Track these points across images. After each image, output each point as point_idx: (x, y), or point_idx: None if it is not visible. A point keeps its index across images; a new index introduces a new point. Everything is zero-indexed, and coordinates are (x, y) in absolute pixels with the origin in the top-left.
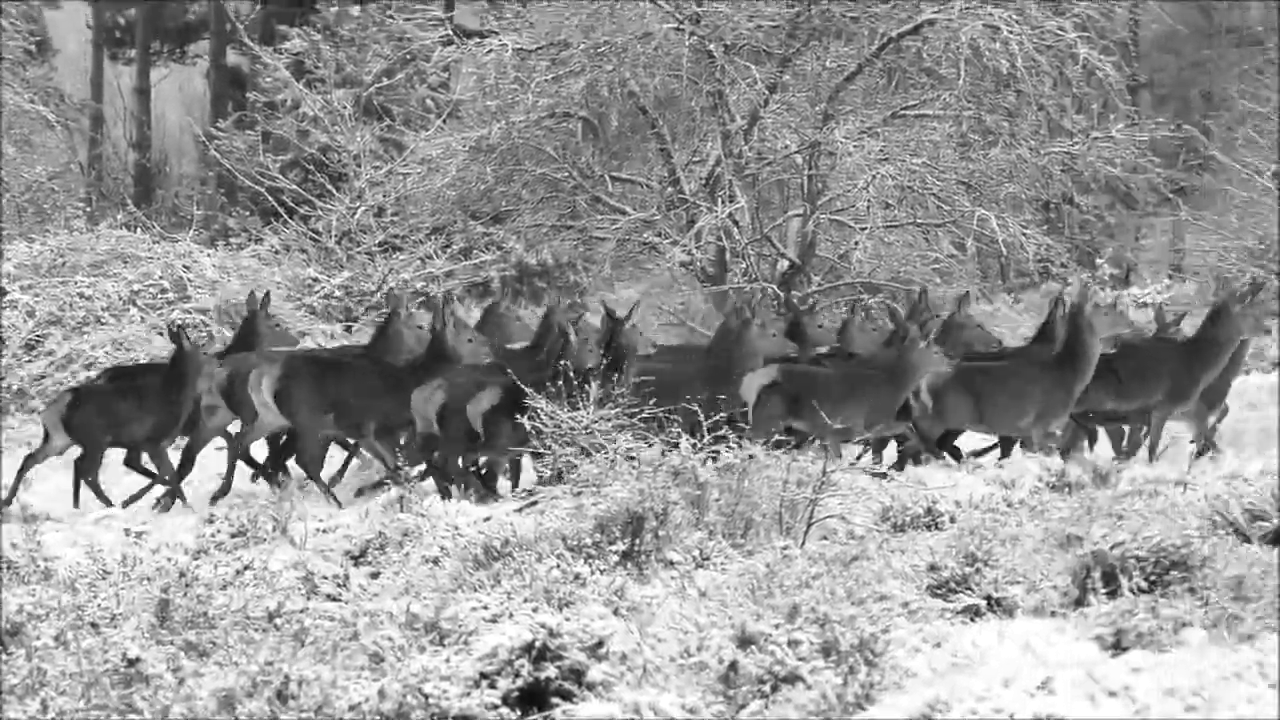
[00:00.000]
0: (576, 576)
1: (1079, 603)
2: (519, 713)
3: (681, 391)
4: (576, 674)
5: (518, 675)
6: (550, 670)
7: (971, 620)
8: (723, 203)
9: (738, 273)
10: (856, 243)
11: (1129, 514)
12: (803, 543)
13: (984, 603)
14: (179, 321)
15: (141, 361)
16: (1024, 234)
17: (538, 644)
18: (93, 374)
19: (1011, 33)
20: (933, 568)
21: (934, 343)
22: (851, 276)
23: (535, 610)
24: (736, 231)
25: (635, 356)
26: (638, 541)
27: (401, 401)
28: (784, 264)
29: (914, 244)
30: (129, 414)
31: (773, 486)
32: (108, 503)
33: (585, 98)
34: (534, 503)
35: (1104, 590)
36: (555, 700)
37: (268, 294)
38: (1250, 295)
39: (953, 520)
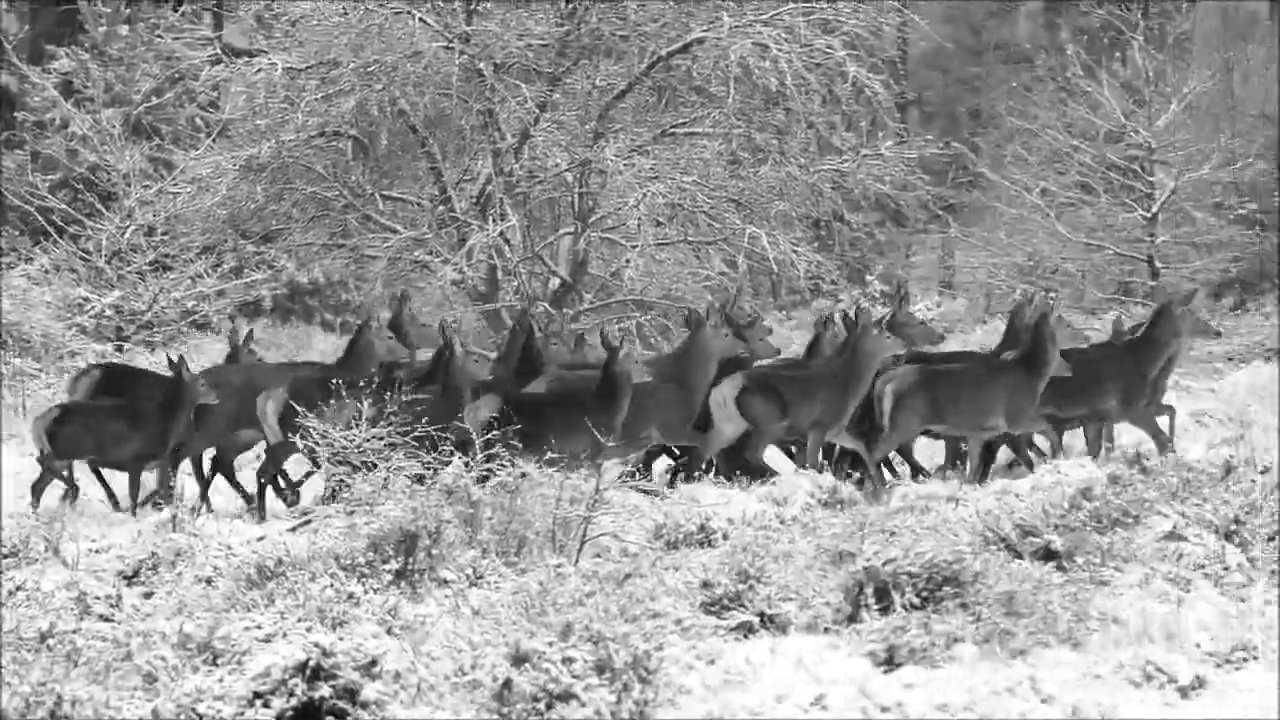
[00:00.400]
0: (350, 596)
1: (852, 619)
2: None
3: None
4: (350, 693)
5: (291, 695)
6: (324, 689)
7: (745, 637)
8: (494, 221)
9: (509, 291)
10: (628, 260)
11: (901, 530)
12: (576, 560)
13: (757, 619)
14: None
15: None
16: (795, 251)
17: (311, 663)
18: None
19: (781, 51)
20: (706, 585)
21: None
22: (623, 294)
23: (309, 630)
24: (508, 250)
25: (630, 384)
26: (411, 560)
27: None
28: (555, 282)
29: (685, 261)
30: (118, 434)
31: (546, 504)
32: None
33: (355, 117)
34: (308, 521)
35: (877, 606)
36: (329, 719)
37: (404, 293)
38: (1188, 298)
39: (726, 537)
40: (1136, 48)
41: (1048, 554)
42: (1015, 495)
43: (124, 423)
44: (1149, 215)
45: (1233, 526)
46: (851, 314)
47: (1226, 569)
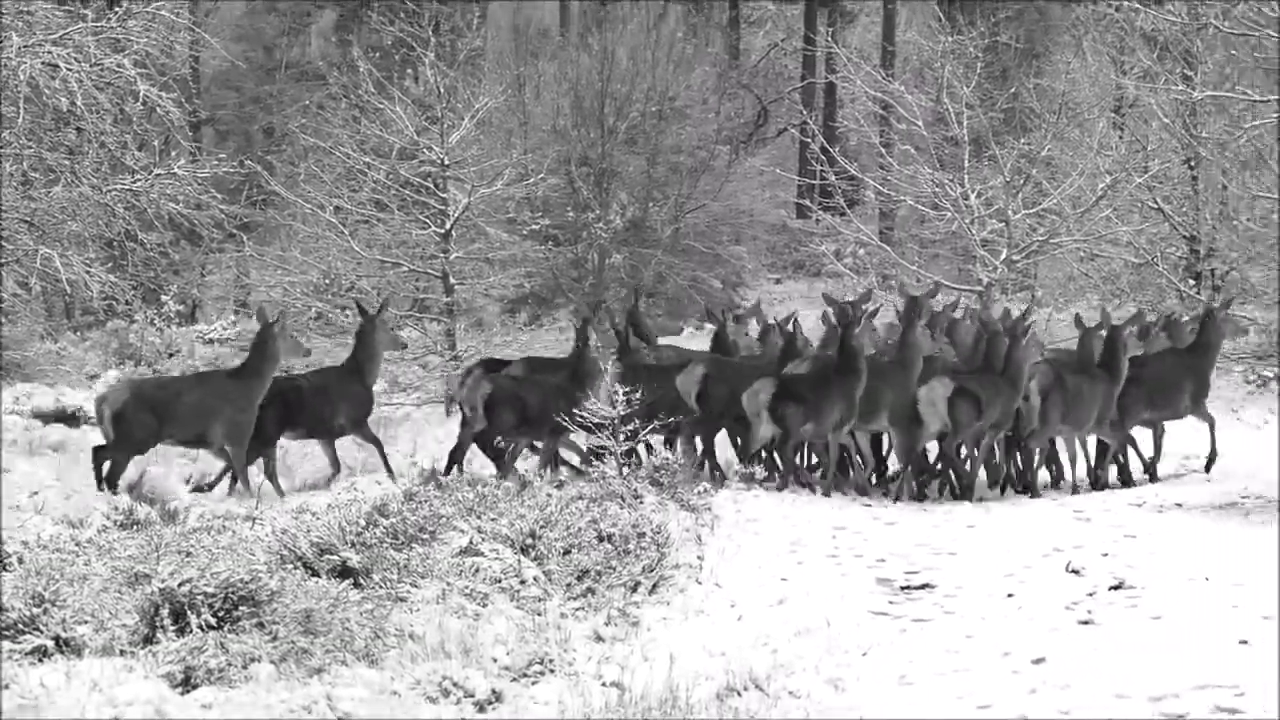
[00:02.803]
0: None
1: (149, 640)
2: None
3: None
4: None
5: None
6: None
7: (40, 661)
8: None
9: None
10: None
11: (198, 550)
12: None
13: (52, 643)
14: None
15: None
16: (88, 272)
17: None
18: None
19: (70, 70)
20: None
21: None
22: None
23: None
24: None
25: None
26: None
27: None
28: None
29: None
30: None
31: None
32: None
33: None
34: None
35: (174, 627)
36: None
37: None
38: (1225, 305)
39: (21, 561)
40: (428, 65)
41: (345, 571)
42: (312, 513)
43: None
44: (443, 231)
45: (529, 540)
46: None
47: (523, 582)
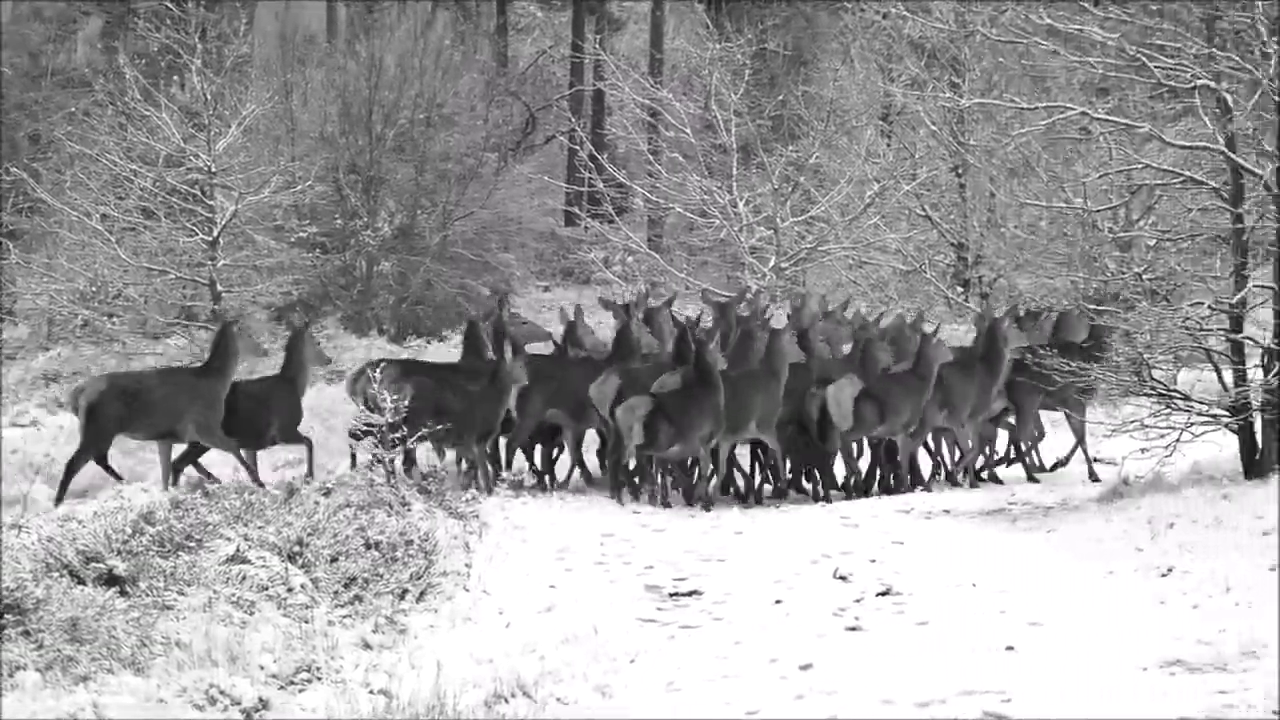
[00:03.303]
0: None
1: None
2: None
3: None
4: None
5: None
6: None
7: None
8: None
9: None
10: None
11: None
12: None
13: None
14: None
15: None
16: None
17: None
18: None
19: None
20: None
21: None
22: None
23: None
24: None
25: None
26: None
27: None
28: None
29: None
30: None
31: None
32: None
33: None
34: None
35: None
36: None
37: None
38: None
39: None
40: (195, 71)
41: (112, 579)
42: (79, 521)
43: None
44: (211, 239)
45: (296, 548)
46: None
47: (290, 590)
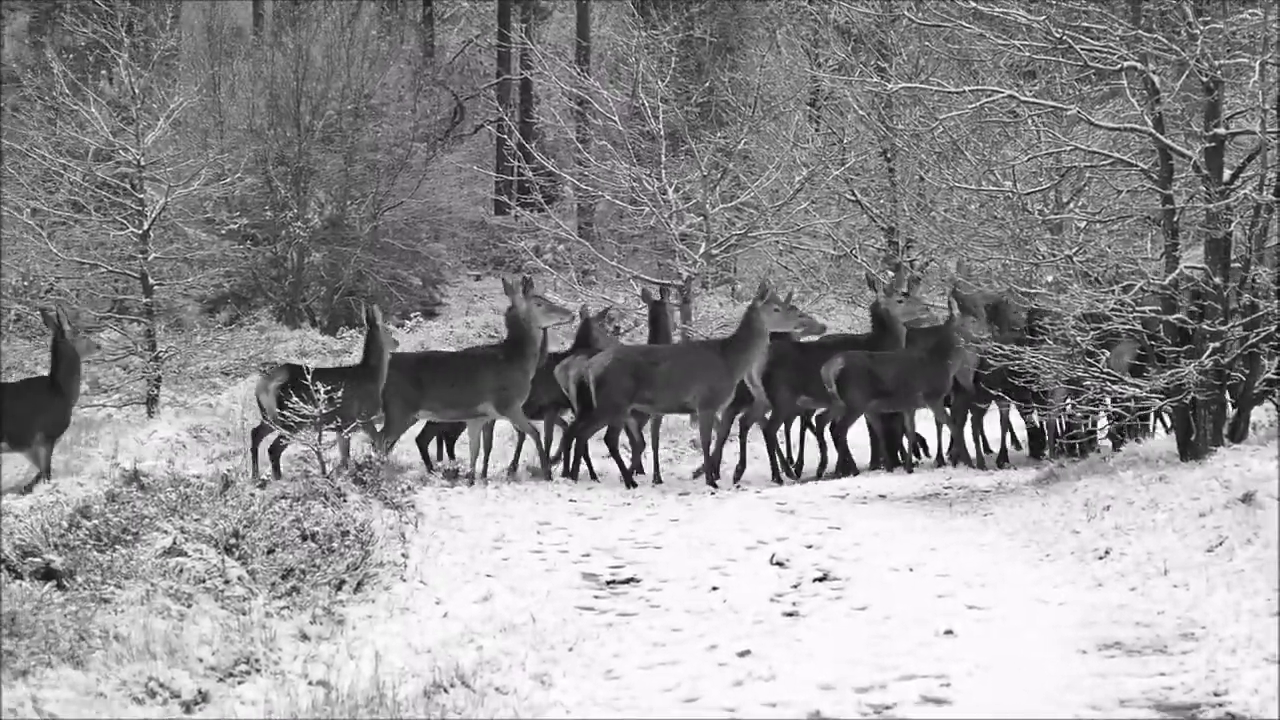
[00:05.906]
0: None
1: None
2: None
3: None
4: None
5: None
6: None
7: None
8: None
9: None
10: None
11: None
12: None
13: None
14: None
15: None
16: None
17: None
18: None
19: None
20: None
21: None
22: None
23: None
24: None
25: None
26: None
27: None
28: None
29: None
30: None
31: None
32: None
33: None
34: None
35: None
36: None
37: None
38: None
39: None
40: (123, 65)
41: (49, 573)
42: (15, 515)
43: None
44: (141, 232)
45: (232, 540)
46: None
47: (227, 582)
